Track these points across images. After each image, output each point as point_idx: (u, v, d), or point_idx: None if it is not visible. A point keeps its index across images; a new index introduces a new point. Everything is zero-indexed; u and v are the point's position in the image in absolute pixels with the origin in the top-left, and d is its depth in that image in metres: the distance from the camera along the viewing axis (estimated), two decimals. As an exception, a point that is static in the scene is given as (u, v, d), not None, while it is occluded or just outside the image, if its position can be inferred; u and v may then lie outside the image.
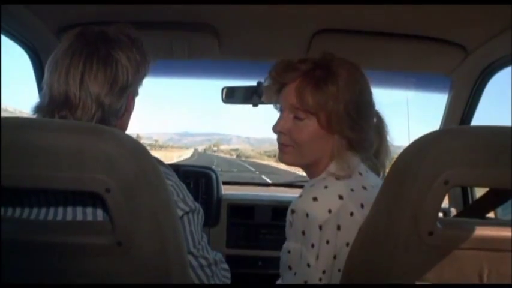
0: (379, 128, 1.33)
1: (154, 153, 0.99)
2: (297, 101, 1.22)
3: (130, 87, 1.13)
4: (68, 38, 1.11)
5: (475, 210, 1.21)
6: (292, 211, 1.15)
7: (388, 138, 1.35)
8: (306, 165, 1.31)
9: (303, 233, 1.11)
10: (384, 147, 1.33)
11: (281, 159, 1.30)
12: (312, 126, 1.22)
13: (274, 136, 1.31)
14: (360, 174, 1.21)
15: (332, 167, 1.21)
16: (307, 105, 1.20)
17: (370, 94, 1.28)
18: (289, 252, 1.15)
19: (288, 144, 1.26)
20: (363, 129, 1.22)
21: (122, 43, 1.11)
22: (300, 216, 1.12)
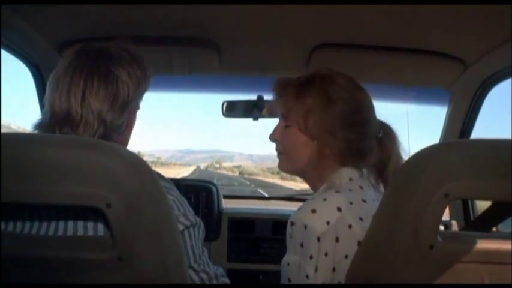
0: (382, 141, 1.32)
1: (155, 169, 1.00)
2: (283, 110, 1.31)
3: (132, 102, 1.13)
4: (69, 56, 1.12)
5: (479, 225, 1.21)
6: (292, 223, 1.15)
7: (403, 155, 1.33)
8: (300, 173, 1.36)
9: (302, 245, 1.12)
10: (392, 161, 1.31)
11: (278, 167, 1.39)
12: (295, 133, 1.28)
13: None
14: (361, 188, 1.21)
15: (328, 181, 1.23)
16: (289, 113, 1.29)
17: (362, 107, 1.28)
18: (288, 264, 1.15)
19: (281, 151, 1.35)
20: (345, 138, 1.24)
21: (123, 59, 1.12)
22: (299, 228, 1.13)
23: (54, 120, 1.07)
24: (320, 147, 1.25)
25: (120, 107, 1.10)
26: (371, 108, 1.30)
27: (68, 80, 1.07)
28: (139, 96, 1.17)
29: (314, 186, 1.31)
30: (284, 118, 1.32)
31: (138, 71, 1.14)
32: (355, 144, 1.25)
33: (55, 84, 1.09)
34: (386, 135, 1.33)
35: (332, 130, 1.23)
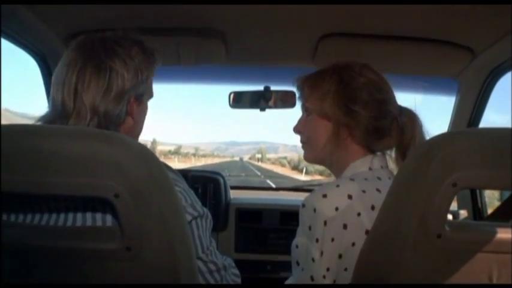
0: (404, 124, 1.29)
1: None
2: (303, 101, 1.38)
3: (129, 92, 1.13)
4: (69, 49, 1.14)
5: (500, 215, 1.20)
6: (303, 205, 1.17)
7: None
8: (323, 161, 1.37)
9: (310, 227, 1.13)
10: (413, 146, 1.28)
11: (303, 157, 1.42)
12: (315, 119, 1.31)
13: None
14: (379, 178, 1.21)
15: (347, 170, 1.25)
16: (308, 103, 1.34)
17: (377, 88, 1.27)
18: (297, 246, 1.18)
19: (304, 141, 1.38)
20: (360, 116, 1.24)
21: (119, 49, 1.12)
22: (308, 210, 1.14)
23: (53, 114, 1.10)
24: (337, 128, 1.26)
25: (114, 97, 1.10)
26: (387, 91, 1.29)
27: (63, 75, 1.09)
28: (140, 84, 1.16)
29: (337, 175, 1.32)
30: (305, 108, 1.36)
31: (137, 59, 1.14)
32: (370, 122, 1.24)
33: (54, 78, 1.12)
34: (407, 118, 1.30)
35: (347, 109, 1.24)
